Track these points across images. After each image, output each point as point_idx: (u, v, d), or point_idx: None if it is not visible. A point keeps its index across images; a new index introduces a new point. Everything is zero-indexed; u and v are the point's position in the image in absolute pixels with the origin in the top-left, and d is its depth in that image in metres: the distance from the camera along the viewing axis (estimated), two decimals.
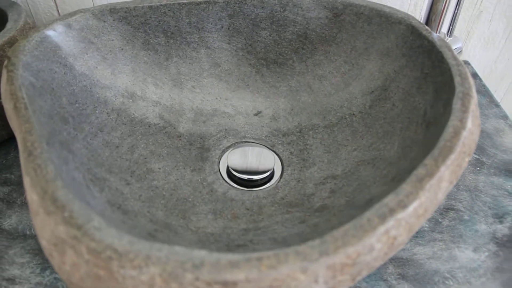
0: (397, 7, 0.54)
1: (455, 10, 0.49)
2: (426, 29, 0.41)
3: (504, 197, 0.43)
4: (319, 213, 0.36)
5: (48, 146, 0.30)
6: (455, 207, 0.42)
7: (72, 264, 0.24)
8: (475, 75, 0.56)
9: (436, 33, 0.48)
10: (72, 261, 0.24)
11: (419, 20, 0.48)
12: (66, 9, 0.50)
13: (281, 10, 0.44)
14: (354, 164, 0.40)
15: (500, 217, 0.42)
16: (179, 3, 0.42)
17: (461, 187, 0.44)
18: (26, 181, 0.27)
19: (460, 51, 0.52)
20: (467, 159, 0.33)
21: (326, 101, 0.45)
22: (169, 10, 0.42)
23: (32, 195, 0.27)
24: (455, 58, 0.38)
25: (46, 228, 0.25)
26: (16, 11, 0.44)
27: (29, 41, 0.37)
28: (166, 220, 0.34)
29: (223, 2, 0.43)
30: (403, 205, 0.26)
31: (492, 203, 0.43)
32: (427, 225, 0.41)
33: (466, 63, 0.58)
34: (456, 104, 0.33)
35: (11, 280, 0.36)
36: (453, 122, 0.32)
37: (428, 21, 0.47)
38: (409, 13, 0.55)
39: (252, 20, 0.44)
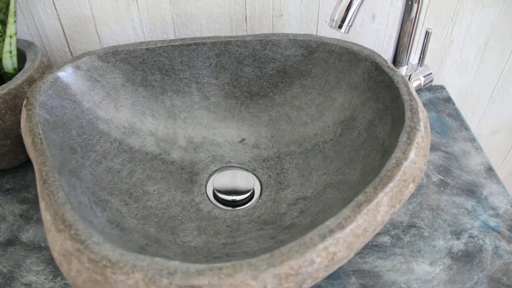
0: (373, 39, 0.61)
1: (424, 43, 0.56)
2: (388, 66, 0.48)
3: (463, 215, 0.50)
4: (288, 231, 0.43)
5: (59, 175, 0.38)
6: (417, 225, 0.49)
7: (76, 271, 0.32)
8: (448, 99, 0.63)
9: (405, 63, 0.55)
10: (77, 268, 0.32)
11: (392, 51, 0.55)
12: (76, 46, 0.59)
13: (262, 49, 0.52)
14: (323, 187, 0.47)
15: (457, 234, 0.48)
16: (172, 45, 0.51)
17: (424, 206, 0.51)
18: (42, 204, 0.36)
19: (432, 79, 0.59)
20: (411, 185, 0.40)
21: (302, 130, 0.53)
22: (163, 51, 0.51)
23: (46, 216, 0.35)
24: (409, 94, 0.45)
25: (57, 242, 0.33)
26: (33, 51, 0.53)
27: (44, 82, 0.45)
28: (157, 235, 0.42)
29: (211, 43, 0.51)
30: (341, 227, 0.33)
31: (451, 221, 0.49)
32: (389, 241, 0.48)
33: (442, 87, 0.65)
34: (403, 137, 0.40)
35: (28, 285, 0.44)
36: (396, 154, 0.39)
37: (396, 53, 0.54)
38: (384, 44, 0.62)
39: (237, 58, 0.52)
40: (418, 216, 0.50)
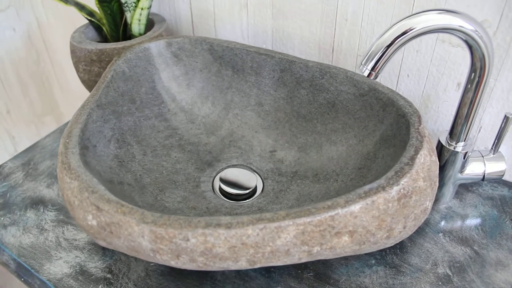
0: (455, 108, 0.57)
1: (500, 127, 0.51)
2: (417, 128, 0.46)
3: None
4: None
5: (97, 108, 0.51)
6: None
7: (58, 168, 0.45)
8: None
9: (462, 138, 0.51)
10: (59, 166, 0.45)
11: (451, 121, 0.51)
12: (198, 32, 0.73)
13: (320, 77, 0.56)
14: None
15: None
16: (247, 50, 0.59)
17: None
18: (71, 119, 0.49)
19: (503, 174, 0.52)
20: (346, 238, 0.40)
21: (326, 163, 0.55)
22: (239, 53, 0.60)
23: (67, 126, 0.48)
24: (411, 159, 0.43)
25: (60, 145, 0.47)
26: (160, 25, 0.69)
27: (139, 46, 0.60)
28: (146, 185, 0.52)
29: (278, 58, 0.58)
30: (228, 226, 0.37)
31: None
32: None
33: None
34: (361, 189, 0.40)
35: None
36: (338, 198, 0.39)
37: (454, 124, 0.50)
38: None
39: (297, 78, 0.58)
40: None
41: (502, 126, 0.51)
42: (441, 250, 0.50)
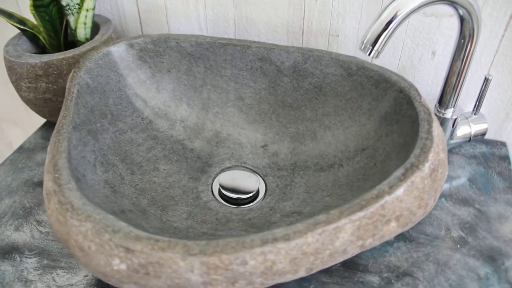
0: (431, 77, 0.58)
1: (481, 90, 0.52)
2: (420, 101, 0.46)
3: (471, 280, 0.45)
4: None
5: (74, 130, 0.43)
6: (414, 275, 0.45)
7: (51, 209, 0.37)
8: (505, 158, 0.57)
9: (451, 105, 0.51)
10: (51, 207, 0.37)
11: (440, 90, 0.52)
12: (148, 30, 0.65)
13: (303, 62, 0.53)
14: (321, 207, 0.46)
15: None
16: (219, 43, 0.54)
17: (431, 258, 0.46)
18: (48, 148, 0.41)
19: (485, 132, 0.54)
20: (394, 224, 0.38)
21: (324, 149, 0.52)
22: (210, 47, 0.54)
23: (47, 158, 0.40)
24: (428, 133, 0.42)
25: (46, 182, 0.38)
26: (106, 27, 0.60)
27: (97, 53, 0.52)
28: (146, 207, 0.45)
29: (255, 47, 0.53)
30: (286, 238, 0.33)
31: (455, 282, 0.45)
32: (377, 282, 0.45)
33: (503, 144, 0.59)
34: (398, 172, 0.38)
35: (39, 222, 0.50)
36: (382, 186, 0.37)
37: (443, 93, 0.51)
38: (434, 80, 0.58)
39: (277, 66, 0.54)
40: (419, 266, 0.46)
41: (483, 88, 0.52)
42: (449, 214, 0.51)
